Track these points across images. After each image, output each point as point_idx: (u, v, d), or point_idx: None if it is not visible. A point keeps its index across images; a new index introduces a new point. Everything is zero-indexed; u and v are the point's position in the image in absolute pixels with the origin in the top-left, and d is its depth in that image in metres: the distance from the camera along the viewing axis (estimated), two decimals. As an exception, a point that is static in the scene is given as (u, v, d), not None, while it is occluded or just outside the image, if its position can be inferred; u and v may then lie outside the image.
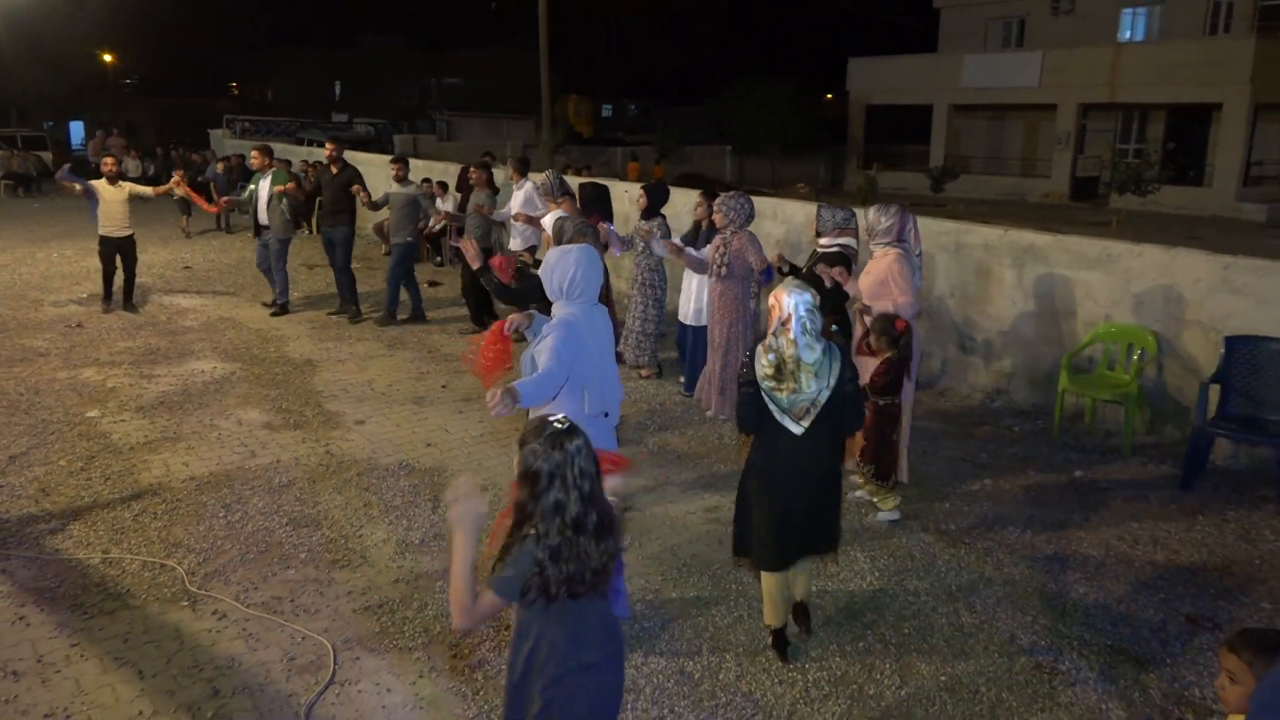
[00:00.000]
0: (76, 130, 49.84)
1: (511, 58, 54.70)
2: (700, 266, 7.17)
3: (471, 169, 10.97)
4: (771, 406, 3.78)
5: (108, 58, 52.01)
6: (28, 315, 10.18)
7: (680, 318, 7.59)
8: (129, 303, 10.46)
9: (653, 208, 7.88)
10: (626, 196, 10.77)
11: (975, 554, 5.01)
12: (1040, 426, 6.99)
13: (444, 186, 14.11)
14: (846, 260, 5.96)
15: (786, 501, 3.84)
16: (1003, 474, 6.12)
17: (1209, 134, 25.83)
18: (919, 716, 3.67)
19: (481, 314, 9.79)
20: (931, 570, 4.83)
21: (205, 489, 5.72)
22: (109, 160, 10.39)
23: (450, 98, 54.06)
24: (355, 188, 9.88)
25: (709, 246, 7.09)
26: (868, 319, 5.48)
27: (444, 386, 7.86)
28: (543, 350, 3.66)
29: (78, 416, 7.00)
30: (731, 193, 7.13)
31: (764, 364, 3.79)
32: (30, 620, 4.24)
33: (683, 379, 7.67)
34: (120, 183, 10.22)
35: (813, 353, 3.74)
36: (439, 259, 14.08)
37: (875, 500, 5.42)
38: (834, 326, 5.05)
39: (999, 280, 7.59)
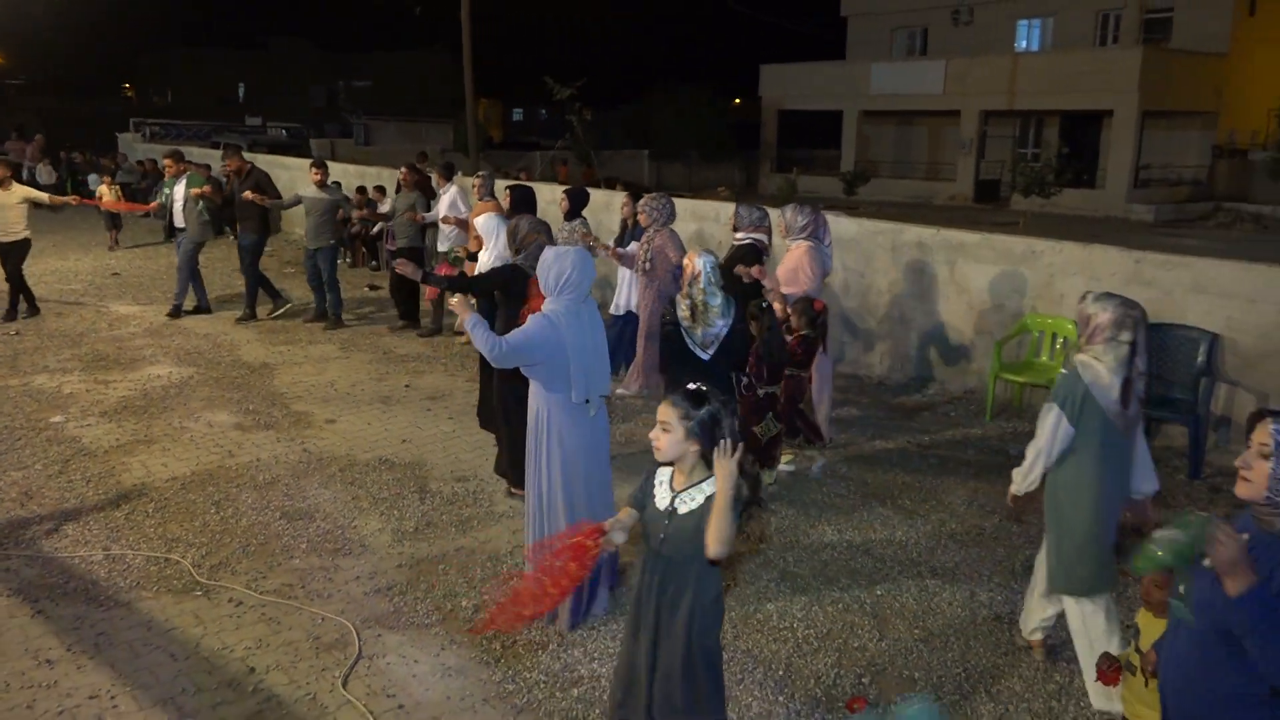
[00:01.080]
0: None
1: (421, 61, 54.33)
2: (632, 263, 7.61)
3: (403, 171, 11.10)
4: (687, 340, 5.20)
5: (-5, 57, 49.90)
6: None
7: (612, 310, 8.04)
8: (12, 309, 10.20)
9: (574, 210, 8.29)
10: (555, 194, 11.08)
11: (930, 524, 5.50)
12: (973, 411, 7.55)
13: (381, 191, 14.19)
14: (758, 252, 6.54)
15: None
16: (946, 453, 6.65)
17: (1100, 139, 27.38)
18: (900, 664, 4.10)
19: (412, 312, 10.15)
20: (893, 540, 5.29)
21: (190, 488, 5.84)
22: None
23: (360, 101, 53.34)
24: (247, 194, 10.02)
25: (635, 245, 7.55)
26: (781, 305, 6.05)
27: (407, 386, 8.05)
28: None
29: (41, 422, 6.98)
30: (655, 194, 7.74)
31: (683, 309, 5.23)
32: (48, 614, 4.35)
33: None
34: (14, 186, 10.03)
35: (716, 299, 5.16)
36: (374, 263, 14.14)
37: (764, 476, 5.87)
38: (764, 304, 5.64)
39: (932, 276, 8.15)
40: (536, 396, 4.26)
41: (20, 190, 10.15)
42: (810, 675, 3.99)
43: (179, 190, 10.34)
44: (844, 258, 8.70)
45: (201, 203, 10.23)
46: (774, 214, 6.90)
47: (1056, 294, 7.40)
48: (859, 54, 34.44)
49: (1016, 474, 3.82)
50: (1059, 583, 3.84)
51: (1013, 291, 7.67)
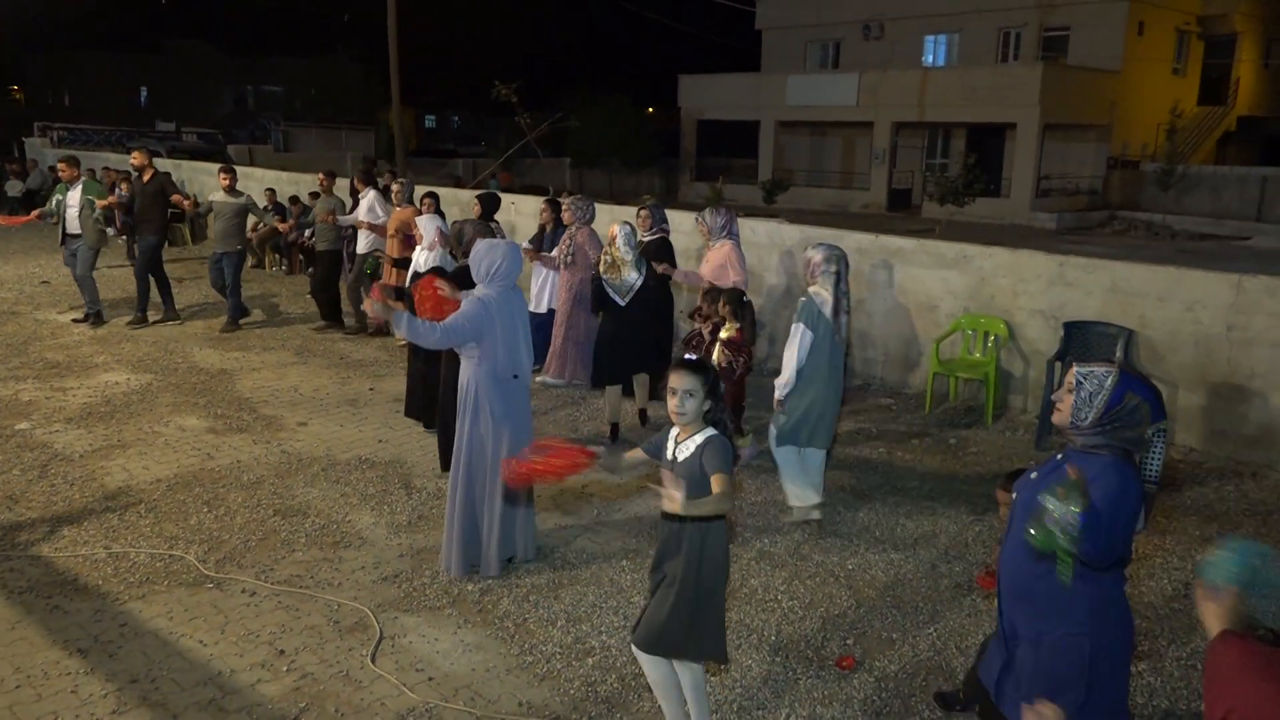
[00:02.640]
0: None
1: (329, 67, 53.50)
2: (551, 264, 8.43)
3: (321, 176, 11.19)
4: (608, 289, 6.85)
5: None
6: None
7: (532, 308, 8.47)
8: None
9: (487, 214, 9.08)
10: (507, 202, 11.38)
11: (887, 505, 5.97)
12: (913, 404, 8.10)
13: (315, 196, 14.21)
14: (669, 246, 7.84)
15: (617, 345, 6.88)
16: (893, 443, 7.16)
17: (1004, 150, 28.76)
18: (879, 627, 4.53)
19: (333, 312, 10.43)
20: (856, 520, 5.75)
21: (177, 489, 5.95)
22: None
23: (269, 106, 52.30)
24: (177, 196, 10.17)
25: (560, 243, 8.27)
26: (704, 301, 6.93)
27: (371, 389, 8.22)
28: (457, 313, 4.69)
29: (8, 429, 6.96)
30: (578, 195, 8.97)
31: (604, 262, 6.92)
32: (66, 609, 4.47)
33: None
34: None
35: (629, 255, 6.81)
36: (284, 266, 14.33)
37: (737, 444, 6.36)
38: (745, 298, 6.68)
39: (870, 279, 8.69)
40: (466, 372, 4.80)
41: None
42: (800, 639, 4.39)
43: (74, 196, 10.19)
44: (785, 263, 9.20)
45: (98, 210, 10.22)
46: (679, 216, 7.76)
47: (987, 295, 8.00)
48: (774, 66, 35.39)
49: (778, 382, 5.44)
50: (789, 437, 5.47)
51: (946, 294, 8.25)
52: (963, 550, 5.35)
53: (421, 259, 8.35)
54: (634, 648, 3.49)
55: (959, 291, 8.17)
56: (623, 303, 6.85)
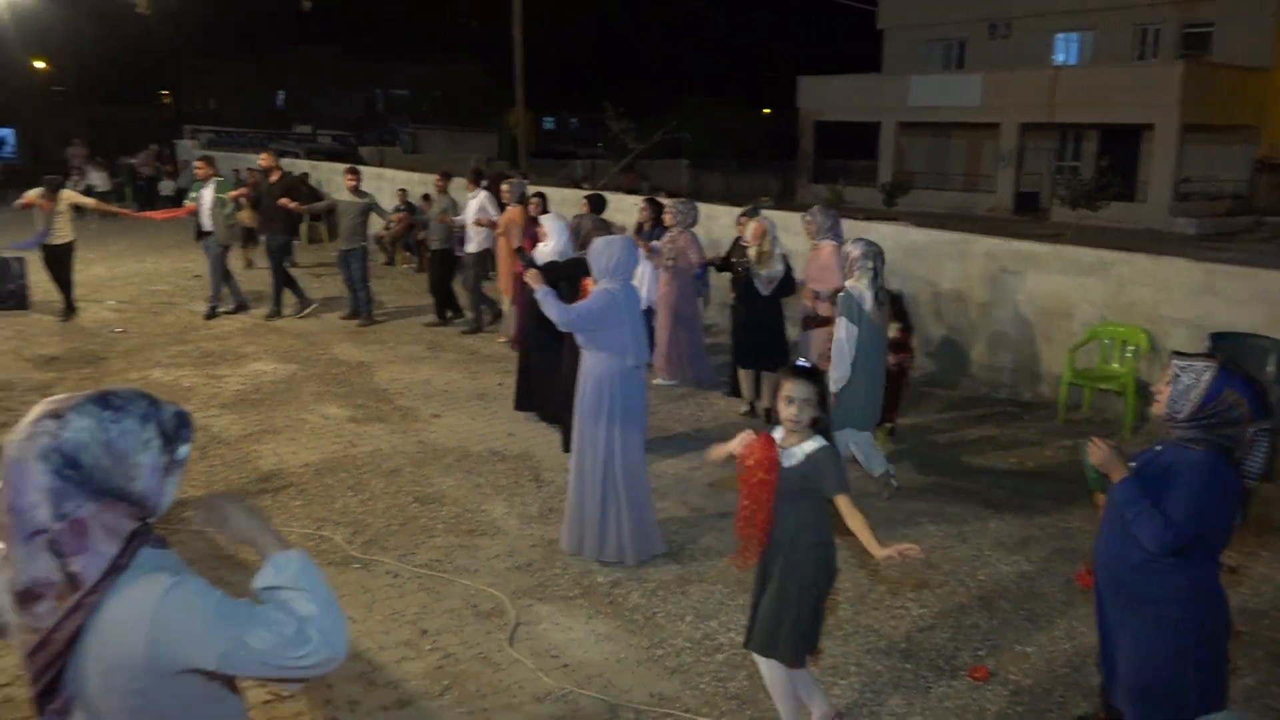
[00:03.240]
0: (8, 138, 48.94)
1: (452, 71, 55.06)
2: (658, 258, 8.58)
3: (438, 179, 11.81)
4: (755, 280, 7.22)
5: (40, 65, 50.93)
6: (69, 321, 10.49)
7: None
8: (69, 309, 10.62)
9: (596, 212, 9.27)
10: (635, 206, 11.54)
11: (1020, 517, 5.85)
12: (1043, 414, 7.89)
13: (427, 199, 14.74)
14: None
15: (758, 330, 7.40)
16: (1024, 454, 6.99)
17: (1139, 152, 27.54)
18: (1011, 638, 4.46)
19: (445, 308, 10.94)
20: (987, 531, 5.65)
21: (324, 474, 6.29)
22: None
23: (396, 109, 54.12)
24: (284, 200, 10.62)
25: (660, 242, 8.54)
26: (813, 302, 7.09)
27: (500, 384, 8.47)
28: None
29: (169, 412, 7.45)
30: (681, 199, 9.13)
31: (751, 253, 7.29)
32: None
33: None
34: (60, 191, 10.49)
35: (777, 248, 7.29)
36: (414, 264, 14.92)
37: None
38: (900, 294, 6.99)
39: (1001, 284, 8.50)
40: (588, 362, 5.08)
41: (66, 195, 10.60)
42: (931, 648, 4.36)
43: (207, 194, 10.73)
44: (912, 267, 9.07)
45: (229, 206, 10.76)
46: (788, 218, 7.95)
47: (1126, 303, 7.73)
48: (896, 66, 34.77)
49: (831, 371, 5.66)
50: (843, 422, 5.74)
51: (1082, 301, 8.00)
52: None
53: (545, 251, 8.58)
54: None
55: (1096, 299, 7.91)
56: (766, 292, 7.26)
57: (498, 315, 10.57)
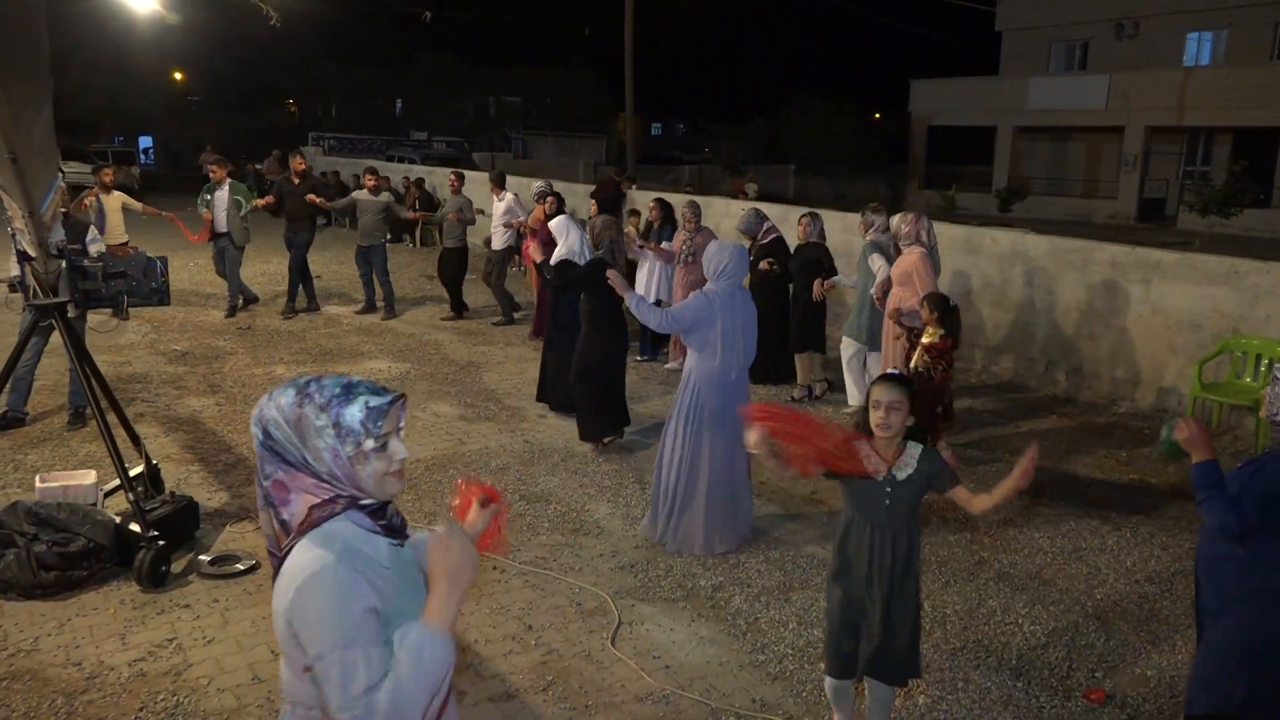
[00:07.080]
0: (145, 145, 51.85)
1: (561, 77, 55.93)
2: (665, 256, 9.28)
3: (451, 178, 12.10)
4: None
5: (178, 75, 53.82)
6: (199, 319, 11.06)
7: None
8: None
9: (613, 210, 10.31)
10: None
11: (1139, 536, 5.61)
12: (1168, 430, 7.53)
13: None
14: (783, 245, 8.63)
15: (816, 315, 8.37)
16: (1145, 470, 6.70)
17: (1277, 156, 26.06)
18: (1130, 660, 4.28)
19: (457, 305, 11.55)
20: (1104, 548, 5.44)
21: (434, 470, 6.47)
22: (107, 171, 11.00)
23: (508, 115, 55.25)
24: (311, 196, 11.26)
25: (675, 238, 9.25)
26: (894, 320, 6.77)
27: (605, 386, 8.57)
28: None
29: (291, 407, 7.78)
30: (693, 200, 9.93)
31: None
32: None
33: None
34: (114, 193, 10.86)
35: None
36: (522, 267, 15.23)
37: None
38: (952, 303, 6.33)
39: (1125, 294, 8.16)
40: (692, 365, 5.24)
41: (119, 197, 11.01)
42: (1043, 666, 4.22)
43: (221, 196, 10.98)
44: (1031, 275, 8.80)
45: (245, 208, 11.10)
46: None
47: (1261, 315, 7.33)
48: (1013, 68, 33.72)
49: (846, 279, 7.82)
50: (854, 332, 7.41)
51: (1212, 312, 7.62)
52: (1228, 589, 4.95)
53: (558, 252, 8.59)
54: None
55: (1228, 310, 7.53)
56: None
57: (515, 309, 11.38)
